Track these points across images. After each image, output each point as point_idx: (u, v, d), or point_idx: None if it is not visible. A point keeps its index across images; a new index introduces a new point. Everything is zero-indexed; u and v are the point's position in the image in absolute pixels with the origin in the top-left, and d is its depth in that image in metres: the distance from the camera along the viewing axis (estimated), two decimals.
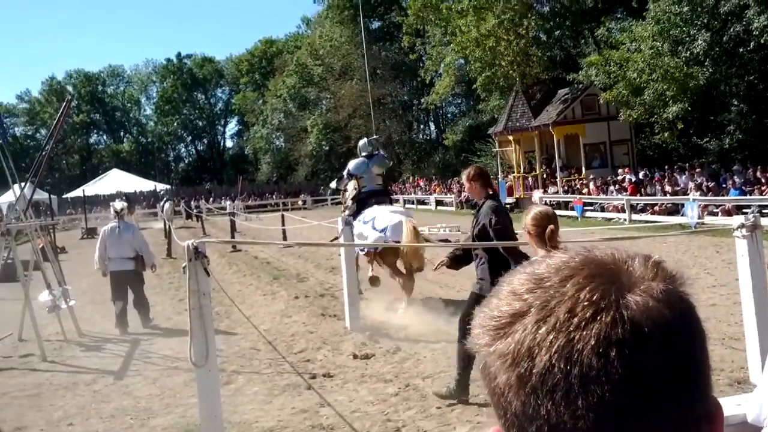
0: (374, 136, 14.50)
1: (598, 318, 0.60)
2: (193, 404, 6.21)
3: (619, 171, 26.83)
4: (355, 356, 7.63)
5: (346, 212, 11.12)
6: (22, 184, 10.54)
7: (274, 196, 52.03)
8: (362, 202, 10.78)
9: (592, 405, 0.59)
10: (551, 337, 0.60)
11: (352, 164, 11.87)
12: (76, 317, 9.97)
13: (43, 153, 10.86)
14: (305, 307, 10.64)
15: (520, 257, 5.53)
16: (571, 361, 0.59)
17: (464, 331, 4.72)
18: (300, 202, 49.89)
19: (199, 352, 5.15)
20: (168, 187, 36.80)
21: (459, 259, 6.58)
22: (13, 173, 9.98)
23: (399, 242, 9.35)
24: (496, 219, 5.90)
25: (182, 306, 11.52)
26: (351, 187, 11.54)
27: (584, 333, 0.60)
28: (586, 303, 0.61)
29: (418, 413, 5.73)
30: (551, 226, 3.82)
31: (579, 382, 0.59)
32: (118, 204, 10.96)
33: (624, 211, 22.46)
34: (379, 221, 9.75)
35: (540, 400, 0.60)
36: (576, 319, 0.61)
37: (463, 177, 6.31)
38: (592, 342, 0.59)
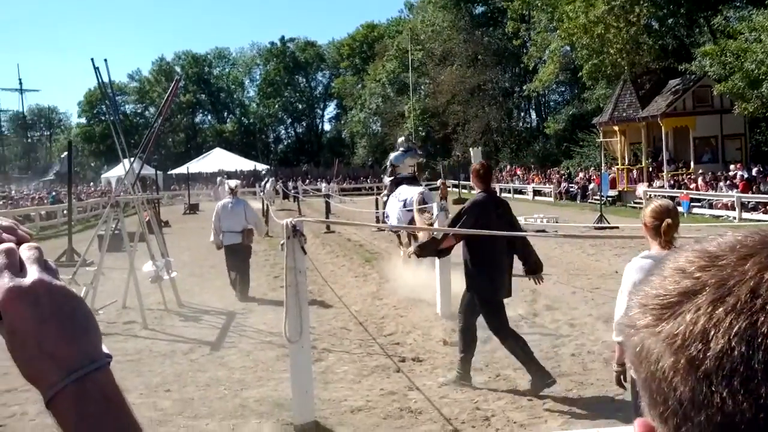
0: (409, 134, 19.76)
1: None
2: (284, 379, 6.32)
3: (731, 167, 25.44)
4: (445, 342, 7.56)
5: (386, 191, 14.75)
6: (132, 159, 11.00)
7: (368, 180, 52.46)
8: (397, 183, 13.28)
9: None
10: (730, 318, 0.53)
11: (392, 156, 14.82)
12: (177, 288, 10.37)
13: (152, 130, 11.28)
14: (396, 291, 10.63)
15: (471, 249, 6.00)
16: (754, 345, 0.52)
17: (465, 318, 5.51)
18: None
19: (293, 328, 5.23)
20: (268, 167, 36.85)
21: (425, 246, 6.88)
22: (124, 149, 10.43)
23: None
24: (460, 211, 6.31)
25: (277, 283, 11.79)
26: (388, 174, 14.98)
27: None
28: None
29: (509, 404, 5.60)
30: (668, 220, 3.67)
31: (763, 368, 0.52)
32: (232, 182, 11.94)
33: (734, 209, 21.29)
34: (402, 194, 12.17)
35: (714, 387, 0.53)
36: (760, 300, 0.53)
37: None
38: None
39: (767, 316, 0.53)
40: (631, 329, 0.60)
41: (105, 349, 0.74)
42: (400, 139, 15.70)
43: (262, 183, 34.52)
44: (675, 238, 3.69)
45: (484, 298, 6.05)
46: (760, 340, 0.52)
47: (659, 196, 23.72)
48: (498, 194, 6.81)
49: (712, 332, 0.54)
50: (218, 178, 42.61)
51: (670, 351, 0.56)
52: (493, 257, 5.98)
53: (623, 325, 0.61)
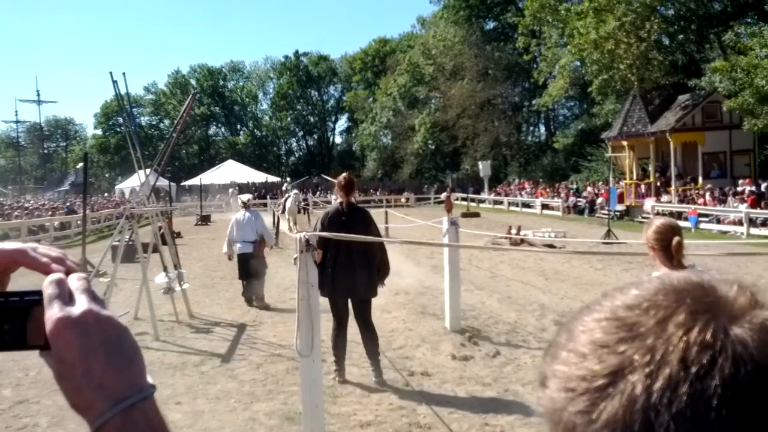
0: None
1: (718, 363, 0.51)
2: (294, 392, 6.39)
3: (740, 182, 25.36)
4: (453, 357, 7.59)
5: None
6: (147, 171, 11.13)
7: (378, 193, 52.57)
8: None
9: None
10: (669, 394, 0.51)
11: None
12: (188, 300, 10.46)
13: (168, 143, 11.41)
14: (405, 304, 10.68)
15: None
16: (698, 419, 0.50)
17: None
18: (403, 200, 50.18)
19: (305, 342, 5.29)
20: (289, 180, 31.00)
21: None
22: (140, 160, 10.56)
23: None
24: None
25: (287, 295, 11.88)
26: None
27: (706, 383, 0.51)
28: (698, 347, 0.52)
29: (517, 420, 5.64)
30: (677, 238, 3.51)
31: None
32: (245, 196, 12.33)
33: (742, 225, 21.21)
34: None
35: None
36: (694, 368, 0.51)
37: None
38: (719, 392, 0.50)
39: (705, 385, 0.51)
40: (559, 413, 0.56)
41: (149, 378, 0.75)
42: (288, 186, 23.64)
43: (283, 197, 27.90)
44: (684, 255, 3.56)
45: (323, 295, 6.57)
46: (704, 412, 0.50)
47: (667, 211, 23.75)
48: (356, 204, 7.30)
49: (653, 413, 0.51)
50: (230, 190, 42.86)
51: None
52: (335, 261, 6.66)
53: (546, 407, 0.58)
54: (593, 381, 0.54)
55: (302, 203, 28.05)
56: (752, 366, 0.51)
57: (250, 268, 11.12)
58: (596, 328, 0.57)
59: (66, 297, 0.75)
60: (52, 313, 0.73)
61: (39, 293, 0.77)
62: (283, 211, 24.77)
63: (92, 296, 0.77)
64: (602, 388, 0.53)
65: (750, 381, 0.51)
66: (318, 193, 50.40)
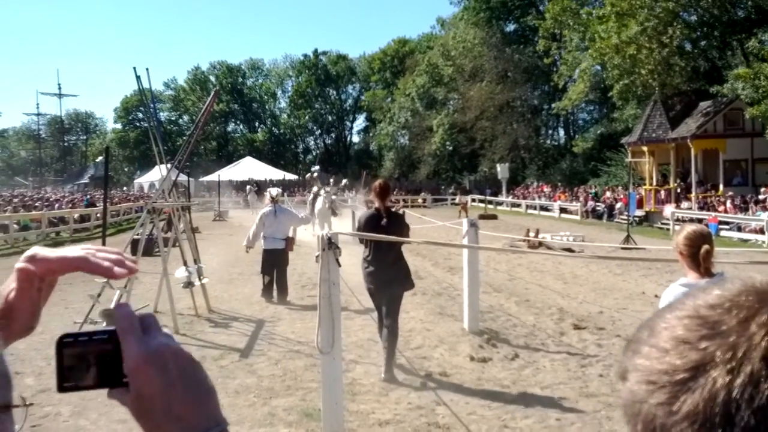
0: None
1: None
2: (313, 389, 6.42)
3: (761, 190, 25.11)
4: (472, 358, 7.59)
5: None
6: (168, 166, 11.22)
7: (394, 193, 52.59)
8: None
9: None
10: (750, 390, 0.52)
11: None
12: (207, 294, 10.53)
13: (190, 140, 11.49)
14: (423, 305, 10.69)
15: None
16: None
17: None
18: (420, 200, 50.20)
19: (325, 339, 5.31)
20: (318, 168, 21.91)
21: None
22: (161, 155, 10.64)
23: None
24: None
25: (305, 292, 11.93)
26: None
27: None
28: None
29: (536, 422, 5.62)
30: (706, 246, 3.53)
31: None
32: (274, 190, 12.25)
33: (763, 233, 21.00)
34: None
35: None
36: None
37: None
38: None
39: None
40: (639, 405, 0.58)
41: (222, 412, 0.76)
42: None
43: (311, 196, 22.73)
44: (713, 264, 3.59)
45: (370, 289, 7.21)
46: None
47: (687, 218, 23.57)
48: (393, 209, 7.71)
49: (734, 408, 0.52)
50: (248, 187, 43.02)
51: (692, 430, 0.54)
52: (377, 258, 7.06)
53: (626, 400, 0.60)
54: (674, 375, 0.56)
55: (335, 203, 21.66)
56: None
57: (276, 265, 11.22)
58: (678, 325, 0.59)
59: (139, 331, 0.76)
60: (131, 347, 0.74)
61: (113, 331, 0.77)
62: (312, 214, 20.14)
63: (160, 329, 0.78)
64: (683, 381, 0.55)
65: None
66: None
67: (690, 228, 3.77)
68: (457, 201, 36.92)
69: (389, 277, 7.05)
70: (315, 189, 21.70)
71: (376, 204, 7.29)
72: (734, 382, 0.53)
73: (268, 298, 11.28)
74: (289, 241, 11.44)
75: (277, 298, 11.23)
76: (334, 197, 21.28)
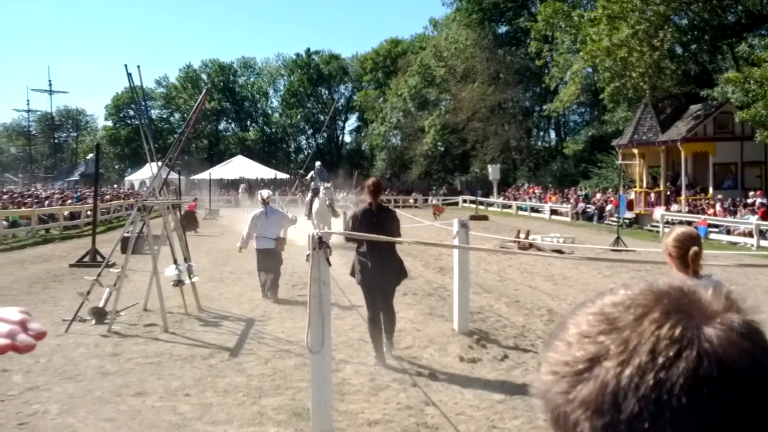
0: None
1: (683, 356, 0.57)
2: (302, 388, 6.42)
3: (750, 193, 25.27)
4: (461, 359, 7.61)
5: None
6: (159, 163, 11.19)
7: (386, 193, 52.61)
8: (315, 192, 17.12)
9: None
10: (636, 380, 0.57)
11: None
12: (197, 293, 10.51)
13: (181, 138, 11.47)
14: (413, 305, 10.71)
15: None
16: (660, 404, 0.56)
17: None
18: (411, 201, 50.23)
19: (315, 338, 5.31)
20: (319, 165, 20.56)
21: None
22: (152, 153, 10.61)
23: None
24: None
25: (295, 291, 11.93)
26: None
27: (671, 373, 0.57)
28: (667, 341, 0.58)
29: (525, 423, 5.65)
30: (695, 248, 3.58)
31: (671, 425, 0.55)
32: (265, 192, 12.48)
33: (752, 236, 21.14)
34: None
35: None
36: (660, 359, 0.57)
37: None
38: (681, 381, 0.56)
39: (669, 374, 0.56)
40: (546, 394, 0.63)
41: None
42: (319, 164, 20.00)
43: (308, 195, 20.17)
44: (701, 266, 3.62)
45: (362, 284, 7.66)
46: (666, 398, 0.56)
47: (677, 220, 23.69)
48: (384, 205, 8.32)
49: (622, 395, 0.57)
50: (241, 186, 42.90)
51: (585, 417, 0.58)
52: (371, 254, 7.43)
53: (538, 389, 0.65)
54: (574, 366, 0.61)
55: (335, 202, 19.65)
56: (714, 360, 0.57)
57: (268, 263, 11.46)
58: (583, 321, 0.64)
59: None
60: None
61: None
62: (310, 215, 18.49)
63: None
64: (581, 372, 0.60)
65: (710, 373, 0.57)
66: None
67: (679, 230, 3.81)
68: (431, 203, 37.12)
69: (383, 271, 7.42)
70: (313, 186, 19.51)
71: (369, 200, 7.70)
72: (623, 373, 0.58)
73: (264, 294, 11.52)
74: (279, 241, 11.62)
75: (270, 295, 11.42)
76: (333, 196, 19.28)
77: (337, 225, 17.88)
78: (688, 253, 3.58)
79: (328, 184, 18.71)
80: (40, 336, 0.88)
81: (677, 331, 0.59)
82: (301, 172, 24.29)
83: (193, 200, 32.02)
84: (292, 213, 14.21)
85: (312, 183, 19.95)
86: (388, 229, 7.44)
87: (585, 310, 0.65)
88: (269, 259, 11.49)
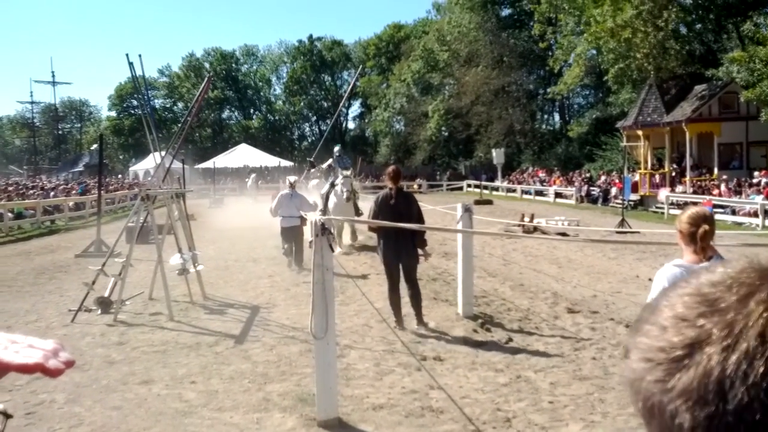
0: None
1: None
2: (307, 374, 6.44)
3: (755, 173, 25.15)
4: (466, 342, 7.63)
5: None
6: (162, 153, 11.20)
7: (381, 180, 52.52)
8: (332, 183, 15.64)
9: None
10: (744, 367, 0.52)
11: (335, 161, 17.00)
12: (202, 281, 10.54)
13: (184, 126, 11.46)
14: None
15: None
16: None
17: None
18: (415, 186, 50.15)
19: (319, 324, 5.33)
20: (339, 149, 17.63)
21: None
22: (156, 143, 10.62)
23: None
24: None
25: (300, 278, 11.95)
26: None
27: None
28: None
29: (529, 405, 5.66)
30: (705, 226, 3.62)
31: None
32: (292, 177, 14.61)
33: (757, 216, 21.07)
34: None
35: None
36: None
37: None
38: None
39: None
40: (638, 383, 0.58)
41: None
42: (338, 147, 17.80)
43: (325, 187, 16.44)
44: (710, 245, 3.65)
45: (382, 260, 8.55)
46: None
47: (682, 201, 23.62)
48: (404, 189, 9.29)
49: (728, 384, 0.52)
50: (252, 176, 42.83)
51: (686, 407, 0.54)
52: (386, 233, 8.25)
53: (627, 378, 0.60)
54: (671, 352, 0.56)
55: (357, 195, 16.57)
56: None
57: (293, 238, 13.21)
58: (678, 302, 0.59)
59: None
60: None
61: None
62: (325, 210, 14.95)
63: None
64: (679, 359, 0.55)
65: None
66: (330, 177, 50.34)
67: (693, 209, 3.88)
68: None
69: (402, 249, 8.25)
70: (331, 177, 16.85)
71: (389, 185, 8.58)
72: (729, 359, 0.53)
73: (289, 263, 13.23)
74: (302, 220, 13.20)
75: (295, 264, 12.98)
76: (354, 186, 15.79)
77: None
78: (698, 231, 3.61)
79: (348, 172, 15.70)
80: (69, 364, 0.88)
81: None
82: (310, 160, 21.06)
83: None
84: (313, 199, 14.53)
85: (330, 173, 17.34)
86: (406, 212, 8.27)
87: (679, 291, 0.60)
88: (292, 235, 13.22)
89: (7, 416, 0.88)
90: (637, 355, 0.59)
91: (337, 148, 18.09)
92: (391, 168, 8.93)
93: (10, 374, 0.87)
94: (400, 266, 8.41)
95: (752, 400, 0.51)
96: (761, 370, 0.51)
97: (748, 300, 0.55)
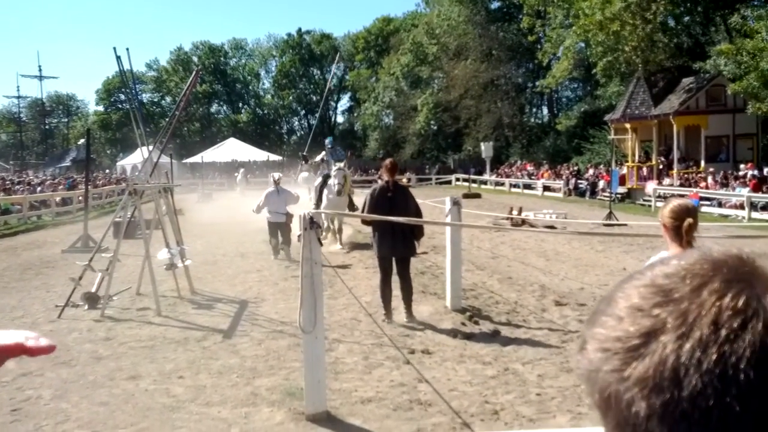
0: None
1: (749, 327, 0.53)
2: (296, 368, 6.44)
3: (741, 166, 25.33)
4: (454, 335, 7.65)
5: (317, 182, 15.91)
6: (150, 147, 11.13)
7: (379, 172, 52.49)
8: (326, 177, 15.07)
9: (758, 423, 0.52)
10: (698, 354, 0.53)
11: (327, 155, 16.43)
12: (190, 276, 10.50)
13: (172, 120, 11.40)
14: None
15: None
16: (725, 379, 0.52)
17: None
18: (405, 180, 50.13)
19: (307, 318, 5.32)
20: (330, 139, 17.39)
21: None
22: (144, 138, 10.55)
23: None
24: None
25: (288, 272, 11.94)
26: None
27: (736, 346, 0.53)
28: (730, 312, 0.54)
29: (517, 398, 5.68)
30: (689, 220, 3.61)
31: (738, 401, 0.52)
32: (276, 174, 14.70)
33: (743, 209, 21.23)
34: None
35: (692, 427, 0.53)
36: (724, 332, 0.53)
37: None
38: (748, 354, 0.52)
39: (734, 347, 0.53)
40: (595, 374, 0.59)
41: None
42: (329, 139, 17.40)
43: (318, 180, 16.21)
44: (695, 238, 3.65)
45: (376, 254, 8.52)
46: (731, 373, 0.52)
47: (669, 194, 23.74)
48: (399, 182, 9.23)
49: (683, 372, 0.53)
50: (241, 170, 42.66)
51: (642, 395, 0.55)
52: (382, 227, 8.22)
53: (584, 369, 0.61)
54: (627, 341, 0.57)
55: (352, 189, 15.99)
56: None
57: (279, 234, 13.64)
58: (634, 293, 0.59)
59: None
60: None
61: None
62: (318, 204, 14.84)
63: None
64: (635, 348, 0.56)
65: None
66: (318, 172, 50.22)
67: (676, 202, 3.85)
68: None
69: (396, 242, 8.25)
70: (321, 170, 16.78)
71: (386, 178, 8.64)
72: (683, 347, 0.54)
73: (276, 256, 13.68)
74: (289, 216, 13.34)
75: (287, 255, 13.45)
76: (346, 180, 14.70)
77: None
78: (682, 225, 3.60)
79: (342, 164, 14.92)
80: (50, 348, 0.87)
81: (740, 302, 0.54)
82: (303, 154, 20.90)
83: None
84: (296, 191, 14.93)
85: (322, 165, 17.07)
86: (402, 205, 8.28)
87: (634, 282, 0.61)
88: (279, 230, 13.60)
89: None
90: (594, 345, 0.59)
91: (328, 140, 17.71)
92: (388, 160, 8.93)
93: None
94: (394, 260, 8.40)
95: (706, 387, 0.52)
96: (714, 357, 0.52)
97: (701, 290, 0.56)
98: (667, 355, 0.54)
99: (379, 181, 8.97)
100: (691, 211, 3.71)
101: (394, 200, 8.32)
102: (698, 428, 0.52)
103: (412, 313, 8.41)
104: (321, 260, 5.71)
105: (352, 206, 14.49)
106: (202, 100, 73.70)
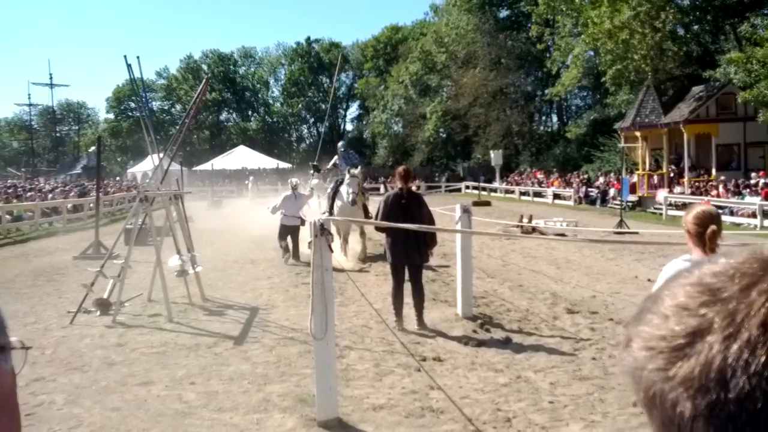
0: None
1: None
2: (307, 375, 6.43)
3: (752, 174, 25.19)
4: (465, 343, 7.62)
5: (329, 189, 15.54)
6: (160, 155, 11.19)
7: (388, 180, 52.47)
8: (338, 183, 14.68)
9: None
10: (746, 356, 0.51)
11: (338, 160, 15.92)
12: (201, 282, 10.53)
13: (182, 128, 11.45)
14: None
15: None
16: None
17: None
18: (414, 188, 49.99)
19: (318, 325, 5.32)
20: (342, 143, 16.21)
21: None
22: (154, 145, 10.61)
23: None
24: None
25: (299, 279, 11.95)
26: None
27: None
28: None
29: (530, 405, 5.66)
30: (713, 227, 3.59)
31: None
32: (294, 180, 15.61)
33: (755, 217, 21.10)
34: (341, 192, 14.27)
35: (739, 430, 0.51)
36: None
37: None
38: None
39: None
40: (640, 372, 0.58)
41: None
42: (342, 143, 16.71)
43: (330, 186, 15.65)
44: (718, 245, 3.63)
45: (389, 260, 8.60)
46: None
47: (680, 203, 23.64)
48: (413, 190, 9.07)
49: (730, 373, 0.52)
50: (251, 178, 42.82)
51: (687, 396, 0.54)
52: (395, 234, 8.26)
53: (628, 367, 0.60)
54: (672, 341, 0.56)
55: (367, 197, 15.26)
56: None
57: (292, 236, 14.23)
58: (681, 292, 0.58)
59: None
60: None
61: None
62: (331, 211, 14.23)
63: None
64: (680, 347, 0.55)
65: None
66: (328, 179, 50.27)
67: (699, 208, 3.82)
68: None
69: (409, 249, 8.30)
70: (332, 176, 16.15)
71: (399, 185, 8.65)
72: (730, 348, 0.52)
73: (285, 257, 14.24)
74: (302, 221, 13.98)
75: (292, 258, 14.11)
76: (360, 188, 14.03)
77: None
78: (706, 231, 3.59)
79: (356, 171, 14.03)
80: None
81: None
82: (314, 164, 19.44)
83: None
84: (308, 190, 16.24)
85: (333, 172, 16.45)
86: (416, 212, 8.31)
87: (681, 281, 0.60)
88: (291, 233, 14.22)
89: (26, 348, 0.87)
90: (639, 343, 0.59)
91: (341, 144, 16.61)
92: (401, 168, 8.99)
93: None
94: (406, 267, 8.46)
95: (754, 389, 0.51)
96: (763, 359, 0.51)
97: (751, 290, 0.55)
98: (714, 356, 0.53)
99: (391, 188, 9.00)
100: (714, 218, 3.69)
101: (408, 207, 8.36)
102: (745, 431, 0.51)
103: (423, 321, 8.40)
104: (331, 266, 5.71)
105: (367, 215, 13.69)
106: (211, 108, 74.04)
